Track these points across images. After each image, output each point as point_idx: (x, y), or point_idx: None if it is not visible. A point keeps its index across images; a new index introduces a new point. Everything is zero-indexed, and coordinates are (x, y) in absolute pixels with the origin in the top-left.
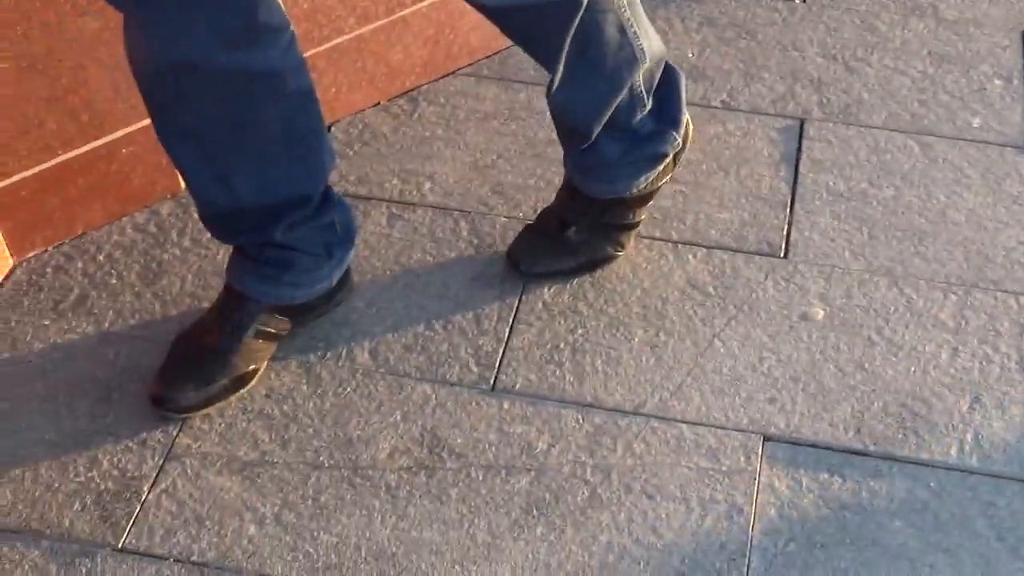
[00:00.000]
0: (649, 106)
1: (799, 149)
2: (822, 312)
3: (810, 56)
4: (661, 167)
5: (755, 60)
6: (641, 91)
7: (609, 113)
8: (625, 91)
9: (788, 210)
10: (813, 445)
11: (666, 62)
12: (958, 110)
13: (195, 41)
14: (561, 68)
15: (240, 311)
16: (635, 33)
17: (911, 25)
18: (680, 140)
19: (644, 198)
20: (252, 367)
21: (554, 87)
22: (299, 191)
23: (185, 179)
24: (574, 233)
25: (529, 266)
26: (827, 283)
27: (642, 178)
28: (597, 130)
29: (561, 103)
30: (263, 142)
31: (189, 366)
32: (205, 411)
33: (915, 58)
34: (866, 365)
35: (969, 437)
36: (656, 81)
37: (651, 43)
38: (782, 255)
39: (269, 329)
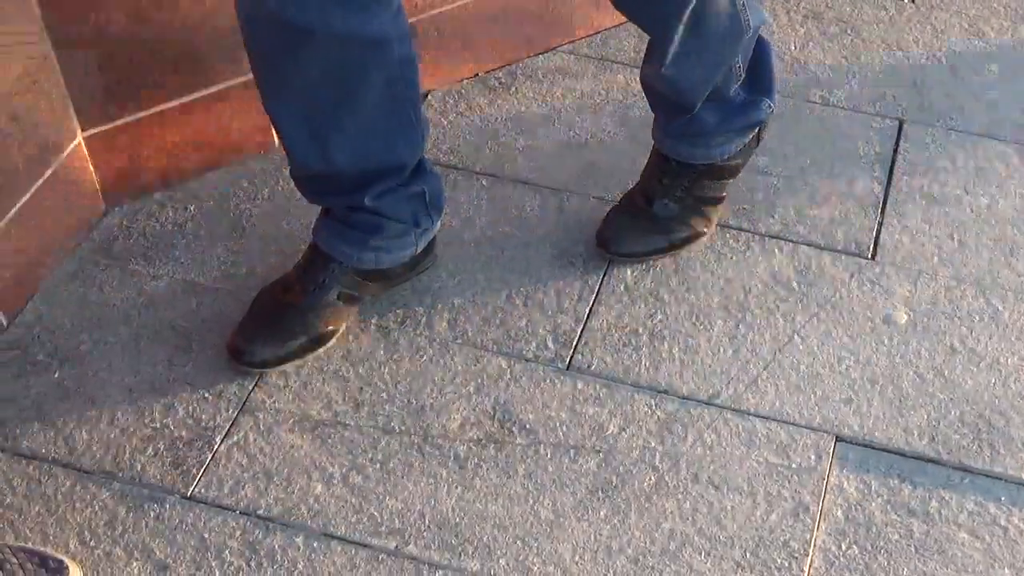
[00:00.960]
0: (743, 77)
1: (895, 151)
2: (906, 316)
3: (914, 57)
4: (751, 136)
5: (858, 58)
6: (738, 61)
7: (713, 85)
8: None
9: (879, 211)
10: (885, 449)
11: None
12: None
13: (313, 2)
14: (675, 44)
15: (324, 271)
16: (743, 5)
17: (1020, 32)
18: (774, 107)
19: (732, 170)
20: (331, 328)
21: (665, 63)
22: (395, 160)
23: (281, 138)
24: (661, 207)
25: (618, 247)
26: (913, 287)
27: (733, 145)
28: (700, 103)
29: (670, 78)
30: (365, 109)
31: (269, 321)
32: (281, 368)
33: (1021, 67)
34: (946, 373)
35: None
36: (751, 52)
37: (754, 14)
38: (870, 256)
39: (351, 292)
